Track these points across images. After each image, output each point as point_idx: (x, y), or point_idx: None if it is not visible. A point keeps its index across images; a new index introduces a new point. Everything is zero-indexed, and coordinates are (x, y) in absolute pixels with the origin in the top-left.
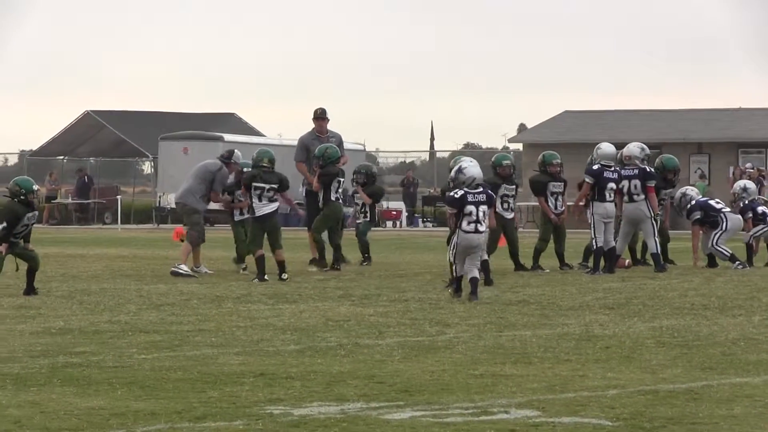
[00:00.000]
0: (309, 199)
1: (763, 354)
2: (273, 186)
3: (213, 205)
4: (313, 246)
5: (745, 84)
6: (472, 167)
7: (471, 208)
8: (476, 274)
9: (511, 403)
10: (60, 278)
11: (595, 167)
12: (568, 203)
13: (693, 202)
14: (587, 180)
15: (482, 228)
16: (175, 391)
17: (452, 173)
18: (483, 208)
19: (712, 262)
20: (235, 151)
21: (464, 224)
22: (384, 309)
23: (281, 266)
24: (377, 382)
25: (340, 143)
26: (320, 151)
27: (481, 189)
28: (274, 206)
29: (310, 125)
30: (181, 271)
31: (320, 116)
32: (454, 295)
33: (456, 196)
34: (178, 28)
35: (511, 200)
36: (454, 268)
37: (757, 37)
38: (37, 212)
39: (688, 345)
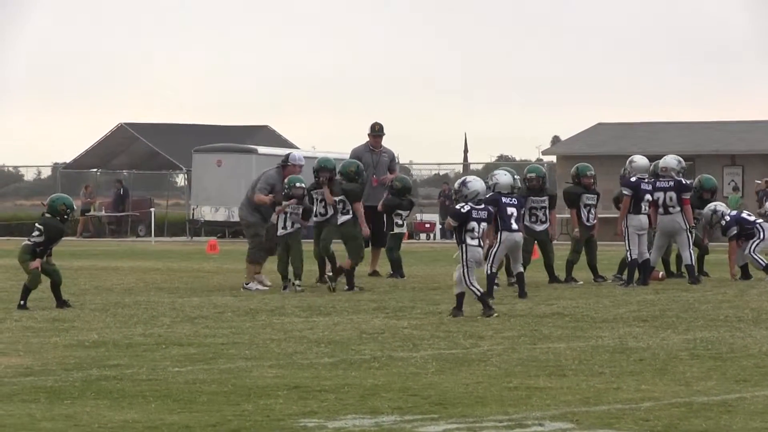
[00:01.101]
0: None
1: None
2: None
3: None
4: (376, 259)
5: None
6: (475, 182)
7: (474, 224)
8: (463, 290)
9: (546, 416)
10: (93, 291)
11: (633, 179)
12: (600, 215)
13: (726, 218)
14: (625, 192)
15: (482, 243)
16: (210, 404)
17: (456, 185)
18: (483, 225)
19: (746, 275)
20: (292, 152)
21: (469, 239)
22: (418, 321)
23: (339, 273)
24: (411, 394)
25: (392, 160)
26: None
27: (483, 206)
28: (346, 217)
29: (343, 136)
30: (251, 289)
31: (378, 133)
32: (456, 314)
33: (462, 210)
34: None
35: (540, 212)
36: (489, 279)
37: None
38: (68, 228)
39: (722, 357)
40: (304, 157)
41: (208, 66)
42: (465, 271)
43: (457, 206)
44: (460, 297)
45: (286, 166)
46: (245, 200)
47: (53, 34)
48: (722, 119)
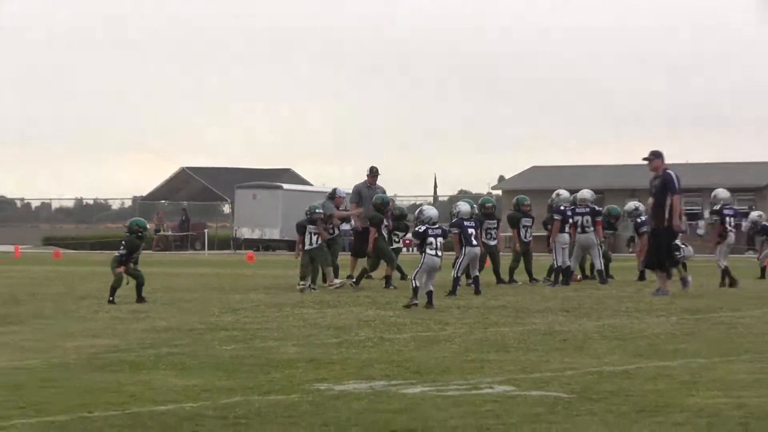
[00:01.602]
0: (356, 234)
1: (679, 344)
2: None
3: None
4: (354, 266)
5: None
6: (429, 209)
7: (431, 239)
8: (432, 288)
9: (494, 381)
10: (163, 290)
11: (562, 208)
12: (534, 234)
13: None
14: (556, 217)
15: (440, 254)
16: (248, 372)
17: (416, 213)
18: (440, 239)
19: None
20: (337, 188)
21: (428, 250)
22: (401, 312)
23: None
24: (396, 366)
25: (383, 194)
26: (378, 198)
27: (438, 225)
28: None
29: (346, 176)
30: (334, 285)
31: (375, 173)
32: (410, 304)
33: (420, 230)
34: (250, 101)
35: (493, 231)
36: (455, 281)
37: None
38: (144, 243)
39: (624, 338)
40: (314, 192)
41: (245, 124)
42: (417, 270)
43: (416, 228)
44: (417, 289)
45: (333, 197)
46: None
47: (125, 97)
48: (625, 162)
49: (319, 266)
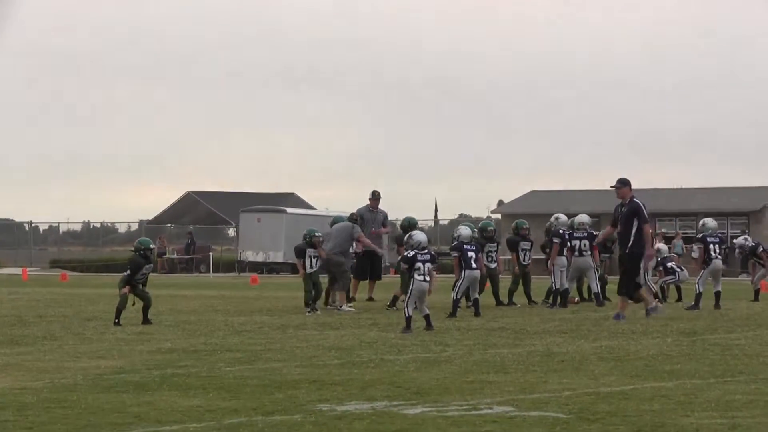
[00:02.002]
0: (359, 256)
1: (675, 365)
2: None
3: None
4: (356, 289)
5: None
6: (418, 234)
7: (419, 264)
8: (428, 311)
9: (494, 402)
10: (168, 312)
11: (560, 231)
12: (533, 257)
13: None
14: (555, 240)
15: (428, 278)
16: (252, 393)
17: (405, 238)
18: (428, 265)
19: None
20: (355, 212)
21: (416, 276)
22: (402, 334)
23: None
24: (397, 386)
25: (385, 217)
26: (406, 220)
27: (426, 251)
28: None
29: (349, 200)
30: (344, 311)
31: (377, 197)
32: (405, 331)
33: (409, 255)
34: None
35: (494, 254)
36: (454, 303)
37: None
38: (152, 264)
39: (620, 359)
40: (318, 215)
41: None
42: (408, 298)
43: (405, 253)
44: (410, 319)
45: (355, 221)
46: (336, 247)
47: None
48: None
49: (320, 289)
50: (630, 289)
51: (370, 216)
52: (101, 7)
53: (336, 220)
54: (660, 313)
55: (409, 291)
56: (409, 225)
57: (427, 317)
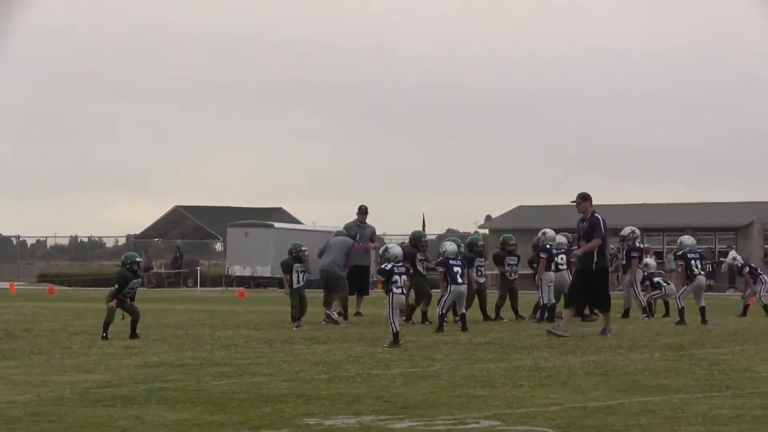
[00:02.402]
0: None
1: (662, 380)
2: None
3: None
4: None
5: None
6: (394, 248)
7: (396, 277)
8: (400, 322)
9: (481, 416)
10: (156, 326)
11: (548, 246)
12: (520, 272)
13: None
14: (542, 255)
15: (405, 291)
16: (239, 407)
17: (381, 251)
18: (404, 277)
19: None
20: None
21: (394, 288)
22: (389, 348)
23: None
24: (384, 401)
25: (373, 232)
26: (413, 234)
27: (401, 263)
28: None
29: (336, 215)
30: (333, 316)
31: (364, 212)
32: (392, 346)
33: (386, 268)
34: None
35: (482, 269)
36: (440, 318)
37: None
38: (140, 279)
39: (607, 374)
40: (305, 230)
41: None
42: (390, 311)
43: (382, 266)
44: (397, 334)
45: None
46: (334, 260)
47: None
48: (607, 203)
49: (306, 304)
50: (607, 301)
51: (358, 231)
52: (83, 21)
53: (338, 233)
54: (561, 332)
55: (389, 305)
56: (414, 239)
57: (395, 333)
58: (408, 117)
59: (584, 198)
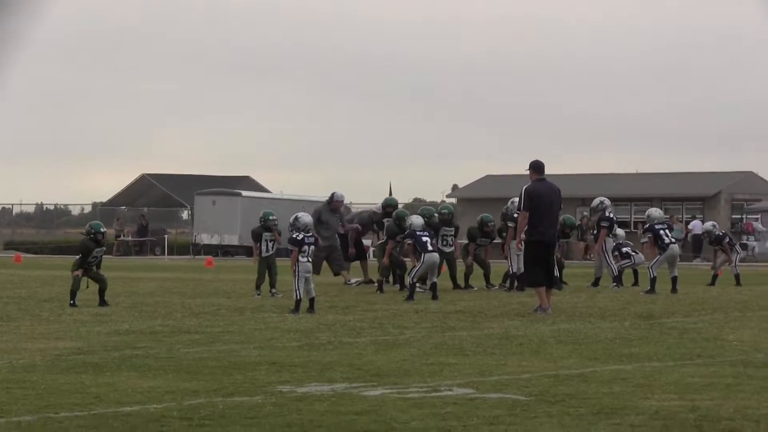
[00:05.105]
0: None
1: (633, 348)
2: None
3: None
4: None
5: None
6: (304, 216)
7: (305, 247)
8: (314, 294)
9: (454, 384)
10: (125, 294)
11: (515, 215)
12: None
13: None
14: (510, 224)
15: (310, 260)
16: (211, 375)
17: (291, 220)
18: (312, 247)
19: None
20: (335, 192)
21: (301, 258)
22: (360, 316)
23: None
24: (356, 368)
25: (341, 216)
26: (397, 212)
27: (311, 233)
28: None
29: (305, 184)
30: (352, 284)
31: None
32: (293, 312)
33: (298, 238)
34: (210, 114)
35: (450, 238)
36: (411, 287)
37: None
38: (104, 248)
39: (579, 342)
40: (273, 199)
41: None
42: (296, 280)
43: (293, 236)
44: (299, 302)
45: (331, 201)
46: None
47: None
48: (576, 172)
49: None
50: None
51: (328, 217)
52: None
53: (396, 213)
54: (542, 312)
55: (296, 273)
56: (389, 205)
57: (311, 301)
58: (377, 87)
59: (531, 167)
